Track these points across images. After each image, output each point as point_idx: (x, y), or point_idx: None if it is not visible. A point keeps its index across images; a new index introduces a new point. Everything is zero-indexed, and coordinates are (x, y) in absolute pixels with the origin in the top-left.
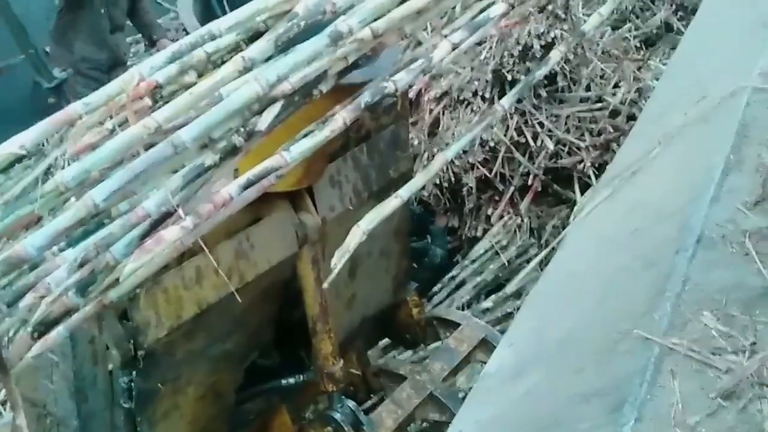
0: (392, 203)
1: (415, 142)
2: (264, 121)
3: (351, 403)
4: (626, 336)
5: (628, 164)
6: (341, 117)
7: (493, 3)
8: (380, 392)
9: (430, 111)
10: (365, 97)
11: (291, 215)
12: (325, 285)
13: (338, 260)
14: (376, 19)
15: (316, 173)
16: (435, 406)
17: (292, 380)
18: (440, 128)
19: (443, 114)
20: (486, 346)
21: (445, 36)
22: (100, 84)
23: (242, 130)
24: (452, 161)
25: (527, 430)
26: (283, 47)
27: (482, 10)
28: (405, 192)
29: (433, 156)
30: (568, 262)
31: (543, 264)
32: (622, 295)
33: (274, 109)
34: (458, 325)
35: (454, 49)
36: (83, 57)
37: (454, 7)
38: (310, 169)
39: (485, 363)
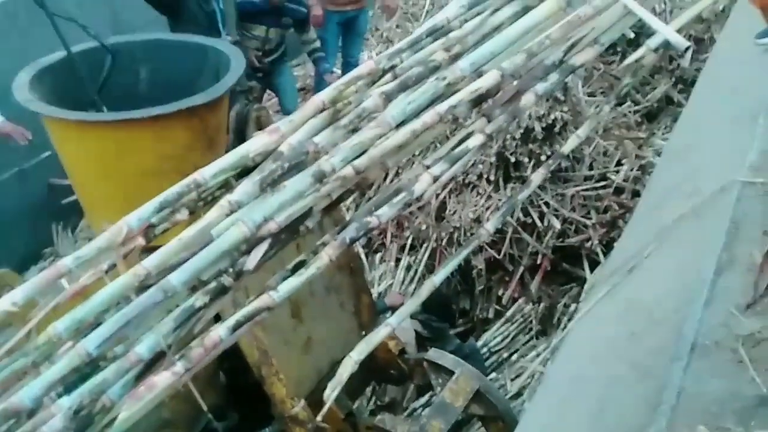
0: (382, 332)
1: (423, 227)
2: (252, 260)
3: None
4: None
5: (624, 259)
6: (326, 254)
7: (470, 134)
8: None
9: (437, 195)
10: (350, 233)
11: None
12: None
13: (331, 392)
14: (357, 156)
15: None
16: None
17: None
18: (447, 212)
19: (449, 198)
20: (480, 398)
21: (427, 167)
22: None
23: (231, 270)
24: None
25: None
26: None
27: (461, 141)
28: (395, 320)
29: (441, 240)
30: (568, 366)
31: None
32: (619, 406)
33: (261, 248)
34: (450, 371)
35: (435, 181)
36: None
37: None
38: None
39: (481, 416)
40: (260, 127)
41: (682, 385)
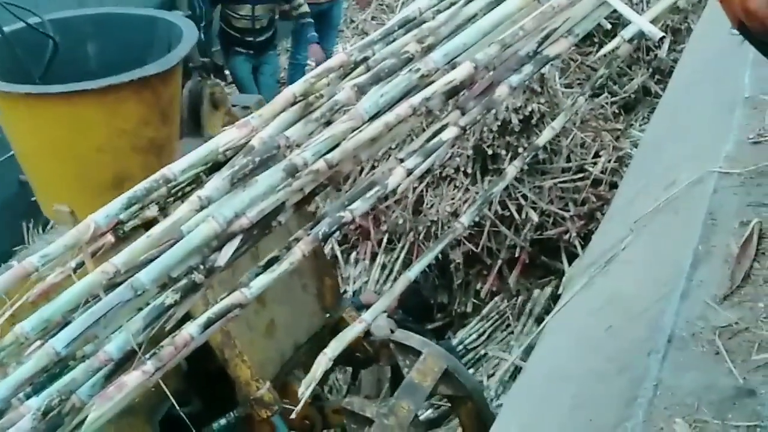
0: (357, 328)
1: (400, 221)
2: (223, 257)
3: None
4: None
5: (602, 251)
6: (299, 249)
7: (445, 127)
8: (338, 428)
9: (413, 189)
10: (323, 227)
11: None
12: None
13: (305, 389)
14: (330, 150)
15: None
16: None
17: (223, 421)
18: (424, 205)
19: (426, 191)
20: (449, 378)
21: (401, 161)
22: None
23: (201, 267)
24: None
25: None
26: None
27: (435, 134)
28: (369, 316)
29: (419, 234)
30: (546, 361)
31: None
32: (596, 401)
33: (233, 245)
34: (418, 352)
35: (409, 175)
36: None
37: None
38: None
39: (450, 396)
40: (214, 104)
41: (659, 378)
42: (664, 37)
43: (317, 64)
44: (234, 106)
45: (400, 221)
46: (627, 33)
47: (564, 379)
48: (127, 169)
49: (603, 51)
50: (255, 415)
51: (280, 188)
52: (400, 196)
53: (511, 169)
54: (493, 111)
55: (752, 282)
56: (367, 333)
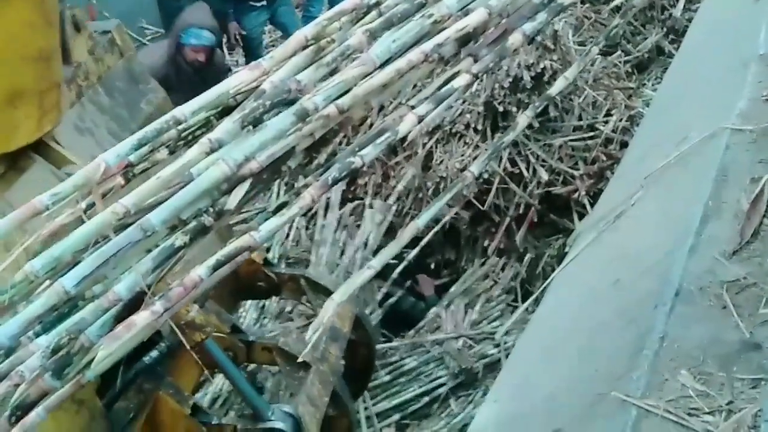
0: (365, 274)
1: (410, 176)
2: (233, 200)
3: (285, 408)
4: (604, 398)
5: (611, 207)
6: (309, 194)
7: (457, 74)
8: (261, 364)
9: (423, 145)
10: (332, 173)
11: (50, 169)
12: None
13: (313, 333)
14: (341, 95)
15: (52, 112)
16: (333, 403)
17: (155, 353)
18: (434, 162)
19: (436, 148)
20: (358, 324)
21: (412, 108)
22: None
23: (211, 209)
24: None
25: None
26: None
27: (446, 82)
28: (377, 262)
29: (428, 189)
30: (552, 314)
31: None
32: (602, 353)
33: (243, 188)
34: (330, 292)
35: (420, 121)
36: None
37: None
38: (45, 109)
39: (352, 340)
40: (76, 26)
41: (665, 331)
42: None
43: (306, 4)
44: (94, 31)
45: (410, 176)
46: None
47: (570, 331)
48: (19, 82)
49: (617, 1)
50: (187, 340)
51: (291, 132)
52: (410, 152)
53: (523, 119)
54: (505, 65)
55: (761, 238)
56: (266, 261)
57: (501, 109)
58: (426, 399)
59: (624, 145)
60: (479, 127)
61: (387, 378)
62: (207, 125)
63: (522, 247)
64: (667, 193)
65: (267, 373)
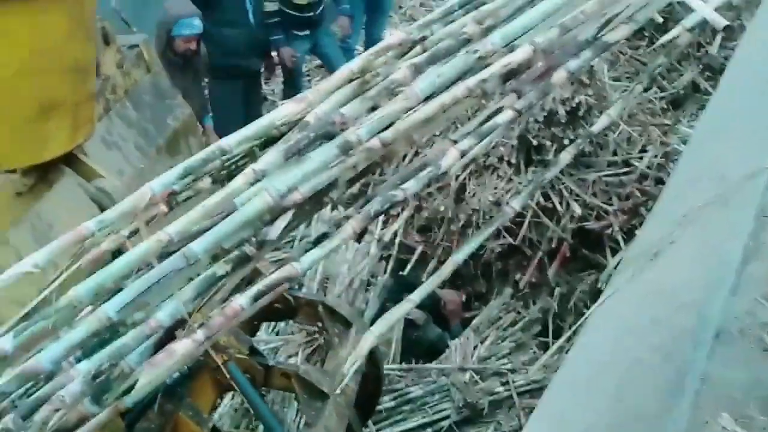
0: (405, 307)
1: (441, 208)
2: (275, 230)
3: None
4: None
5: (648, 244)
6: (351, 226)
7: (500, 110)
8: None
9: (456, 177)
10: (374, 205)
11: (79, 182)
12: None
13: (351, 366)
14: (384, 129)
15: (85, 125)
16: None
17: (175, 374)
18: (466, 194)
19: (469, 180)
20: (372, 357)
21: (454, 142)
22: None
23: (253, 239)
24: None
25: None
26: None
27: (489, 117)
28: (416, 296)
29: (462, 223)
30: (588, 350)
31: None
32: (640, 391)
33: (285, 219)
34: (348, 323)
35: (462, 156)
36: None
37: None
38: (78, 121)
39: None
40: (105, 39)
41: (705, 371)
42: (728, 25)
43: (342, 36)
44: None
45: (442, 208)
46: (688, 22)
47: (607, 368)
48: (54, 94)
49: (663, 40)
50: (210, 361)
51: (334, 164)
52: (443, 184)
53: (565, 155)
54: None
55: None
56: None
57: (535, 143)
58: (429, 431)
59: (659, 181)
60: (513, 161)
61: (391, 404)
62: (249, 155)
63: (554, 281)
64: (705, 232)
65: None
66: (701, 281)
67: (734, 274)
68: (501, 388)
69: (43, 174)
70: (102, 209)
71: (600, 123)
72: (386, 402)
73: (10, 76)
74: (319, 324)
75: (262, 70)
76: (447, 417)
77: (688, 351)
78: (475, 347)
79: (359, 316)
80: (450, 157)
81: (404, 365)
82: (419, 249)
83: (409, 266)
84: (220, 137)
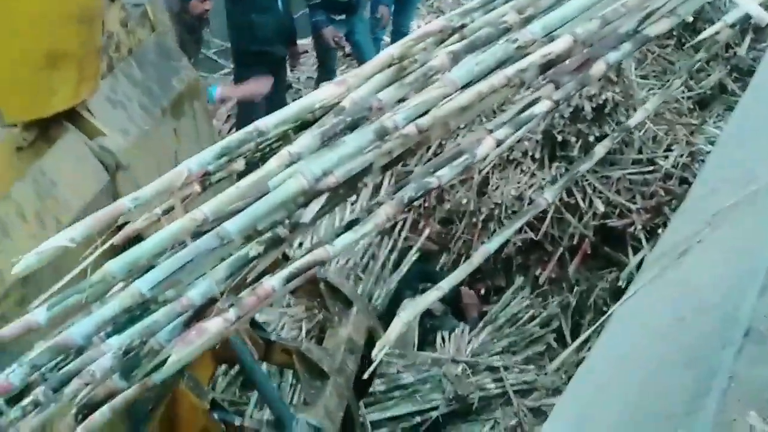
0: (433, 295)
1: (464, 201)
2: (309, 213)
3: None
4: None
5: (675, 243)
6: (384, 212)
7: (537, 100)
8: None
9: (479, 171)
10: (408, 192)
11: (83, 139)
12: None
13: (378, 351)
14: (421, 115)
15: (90, 80)
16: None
17: None
18: (489, 187)
19: (492, 173)
20: (369, 339)
21: (490, 131)
22: None
23: (287, 221)
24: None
25: None
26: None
27: (527, 107)
28: (446, 284)
29: (483, 216)
30: (612, 347)
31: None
32: (665, 390)
33: (318, 202)
34: (349, 302)
35: (498, 146)
36: None
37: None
38: (83, 75)
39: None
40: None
41: (734, 370)
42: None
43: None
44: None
45: (464, 201)
46: (730, 17)
47: (631, 367)
48: (61, 43)
49: (704, 35)
50: None
51: (369, 150)
52: (466, 176)
53: (600, 149)
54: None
55: None
56: (285, 257)
57: (560, 138)
58: (418, 419)
59: (683, 181)
60: (537, 156)
61: (382, 387)
62: (284, 138)
63: (574, 278)
64: (734, 232)
65: None
66: (729, 281)
67: (763, 274)
68: (492, 385)
69: (44, 130)
70: (106, 168)
71: (636, 117)
72: (377, 385)
73: (14, 23)
74: (319, 300)
75: (287, 57)
76: (436, 408)
77: (716, 350)
78: (468, 341)
79: (359, 296)
80: (486, 146)
81: (397, 351)
82: (423, 236)
83: (412, 254)
84: (244, 124)
